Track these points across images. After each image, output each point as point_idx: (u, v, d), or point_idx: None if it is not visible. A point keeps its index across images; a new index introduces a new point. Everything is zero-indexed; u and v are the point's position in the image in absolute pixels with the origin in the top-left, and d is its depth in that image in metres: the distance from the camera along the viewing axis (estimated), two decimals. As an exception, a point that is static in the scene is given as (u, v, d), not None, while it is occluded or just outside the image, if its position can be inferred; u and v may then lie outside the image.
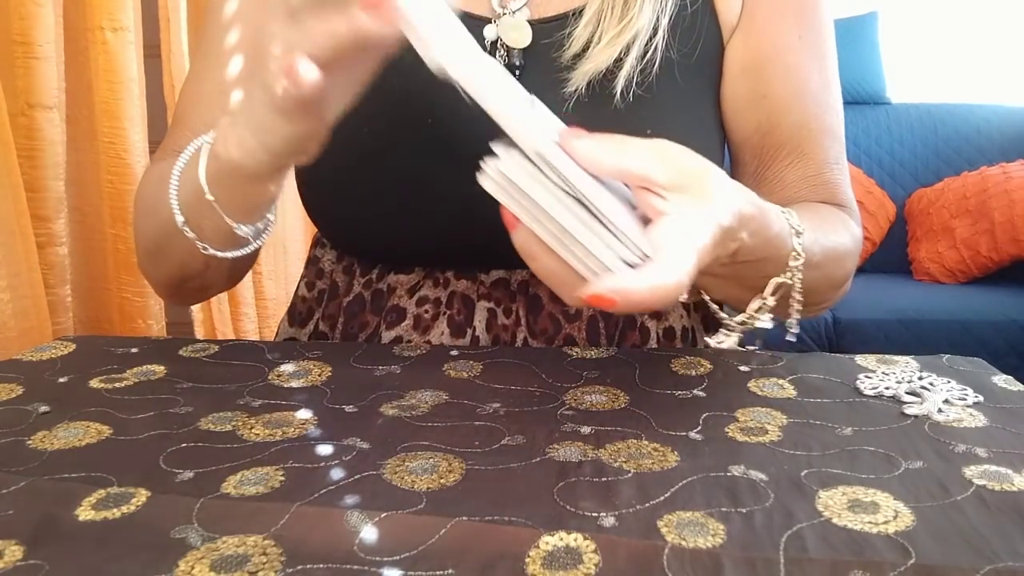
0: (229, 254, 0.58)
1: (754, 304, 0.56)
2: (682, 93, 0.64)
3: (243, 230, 0.56)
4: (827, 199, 0.67)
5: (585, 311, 0.66)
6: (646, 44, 0.61)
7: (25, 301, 0.97)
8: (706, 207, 0.43)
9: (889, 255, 2.48)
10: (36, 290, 0.99)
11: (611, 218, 0.41)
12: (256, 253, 0.63)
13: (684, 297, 0.62)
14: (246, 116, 0.49)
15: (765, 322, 0.56)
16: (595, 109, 0.61)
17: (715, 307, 0.61)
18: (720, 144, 0.69)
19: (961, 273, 2.31)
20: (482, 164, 0.42)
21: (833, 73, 0.69)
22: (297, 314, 0.74)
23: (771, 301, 0.55)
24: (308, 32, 0.43)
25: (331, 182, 0.66)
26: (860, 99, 2.59)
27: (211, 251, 0.58)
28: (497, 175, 0.42)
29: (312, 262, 0.75)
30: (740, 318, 0.57)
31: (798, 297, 0.56)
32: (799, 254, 0.54)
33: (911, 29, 2.71)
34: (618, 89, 0.60)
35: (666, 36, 0.62)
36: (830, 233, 0.61)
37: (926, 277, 2.37)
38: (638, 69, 0.61)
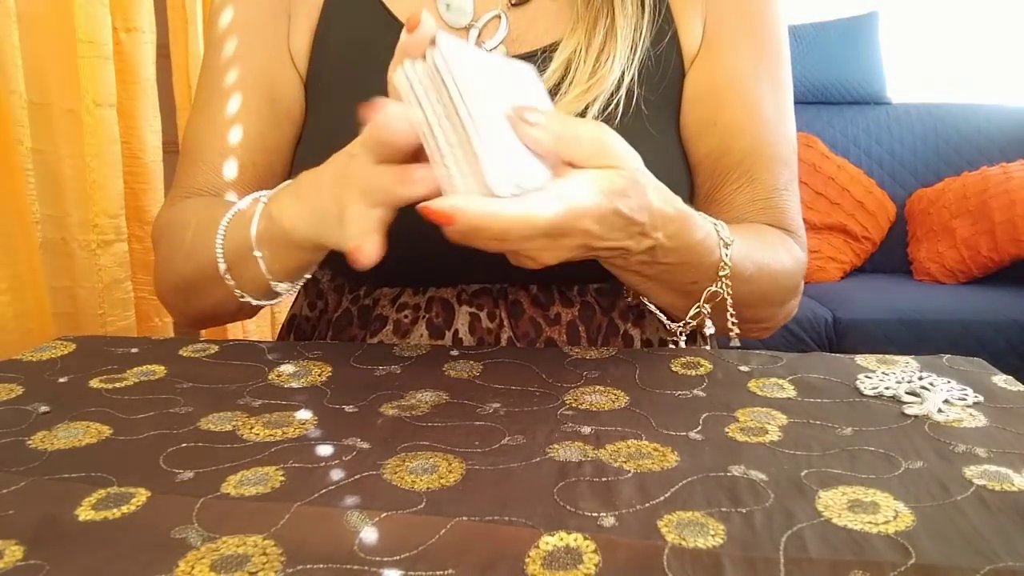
0: (264, 303, 0.62)
1: (691, 311, 0.60)
2: (648, 130, 0.66)
3: (281, 287, 0.60)
4: (774, 223, 0.69)
5: (564, 316, 0.68)
6: (609, 98, 0.64)
7: (26, 304, 0.97)
8: (608, 182, 0.46)
9: (889, 255, 2.48)
10: (38, 292, 0.99)
11: (480, 139, 0.43)
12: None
13: (630, 299, 0.68)
14: (311, 209, 0.52)
15: (708, 327, 0.61)
16: None
17: (655, 310, 0.65)
18: (686, 171, 0.71)
19: (961, 273, 2.31)
20: (401, 65, 0.45)
21: (787, 103, 0.71)
22: (302, 333, 0.76)
23: (706, 308, 0.59)
24: (374, 181, 0.47)
25: None
26: (860, 99, 2.59)
27: (247, 299, 0.61)
28: (403, 77, 0.45)
29: (311, 283, 0.77)
30: (680, 324, 0.62)
31: (730, 308, 0.59)
32: (726, 264, 0.57)
33: (911, 29, 2.71)
34: None
35: (633, 87, 0.65)
36: (767, 252, 0.64)
37: (926, 277, 2.37)
38: (600, 119, 0.63)
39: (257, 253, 0.57)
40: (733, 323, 0.61)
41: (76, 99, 1.01)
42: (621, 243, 0.50)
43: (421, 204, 0.43)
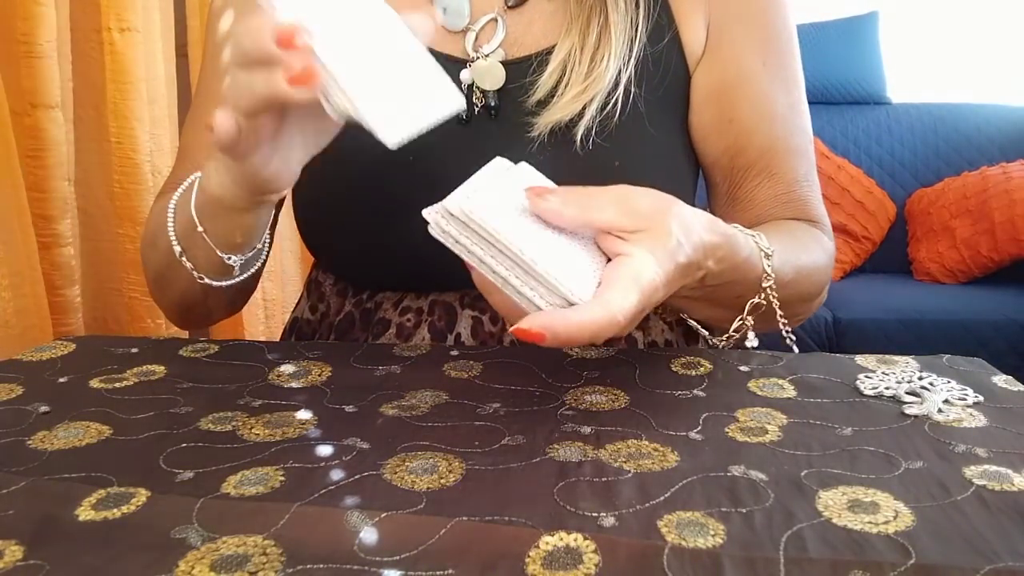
0: (223, 283, 0.61)
1: (734, 324, 0.60)
2: (647, 128, 0.66)
3: (233, 260, 0.60)
4: (798, 215, 0.70)
5: None
6: (607, 97, 0.64)
7: (26, 300, 0.97)
8: (663, 246, 0.46)
9: (889, 255, 2.48)
10: (37, 288, 0.99)
11: (538, 268, 0.44)
12: (254, 284, 0.67)
13: (665, 316, 0.68)
14: (227, 164, 0.52)
15: (751, 340, 0.60)
16: (558, 151, 0.64)
17: (696, 325, 0.64)
18: (691, 170, 0.71)
19: (961, 273, 2.31)
20: (424, 215, 0.46)
21: (799, 95, 0.71)
22: (303, 336, 0.76)
23: (750, 321, 0.59)
24: (235, 86, 0.46)
25: (326, 217, 0.70)
26: (860, 99, 2.59)
27: (206, 280, 0.61)
28: (437, 228, 0.45)
29: (315, 286, 0.77)
30: (723, 338, 0.62)
31: (779, 313, 0.59)
32: (769, 275, 0.57)
33: (911, 29, 2.71)
34: (578, 137, 0.63)
35: (631, 85, 0.65)
36: (801, 252, 0.64)
37: (926, 277, 2.37)
38: (597, 120, 0.63)
39: (200, 228, 0.58)
40: (784, 324, 0.61)
41: (16, 100, 0.99)
42: (680, 284, 0.50)
43: (513, 328, 0.44)
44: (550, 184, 0.50)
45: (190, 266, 0.60)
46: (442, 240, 0.45)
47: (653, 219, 0.47)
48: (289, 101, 0.45)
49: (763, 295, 0.58)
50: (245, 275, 0.62)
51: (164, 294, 0.69)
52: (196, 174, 0.59)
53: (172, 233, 0.60)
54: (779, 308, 0.59)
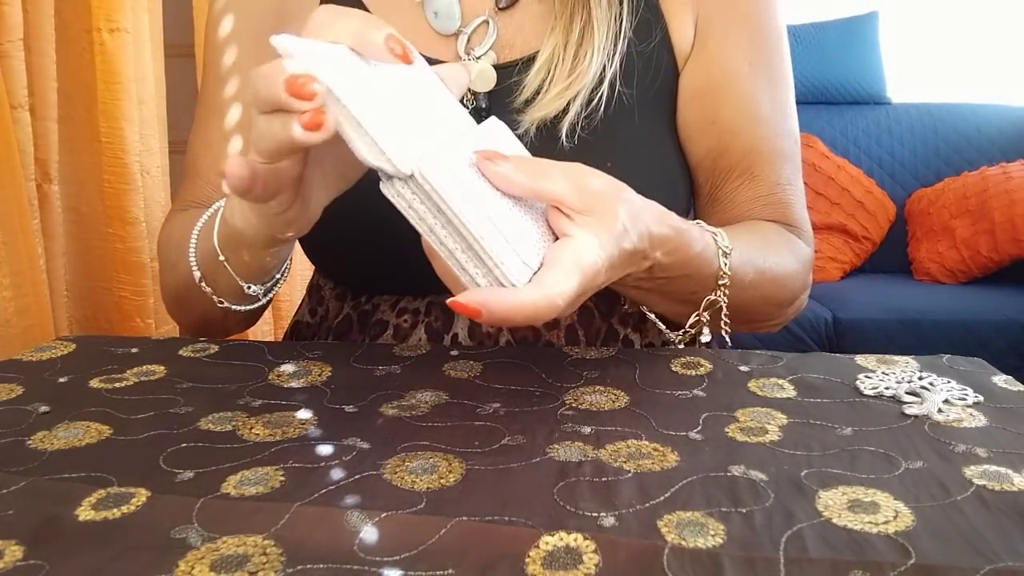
0: (242, 308, 0.63)
1: (690, 320, 0.60)
2: (637, 128, 0.66)
3: (253, 289, 0.61)
4: (778, 219, 0.69)
5: (563, 320, 0.67)
6: (591, 93, 0.64)
7: (26, 300, 0.97)
8: (607, 230, 0.46)
9: (889, 255, 2.48)
10: (38, 288, 1.00)
11: (485, 248, 0.44)
12: (270, 301, 0.67)
13: (627, 308, 0.67)
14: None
15: (705, 335, 0.60)
16: (545, 148, 0.64)
17: (654, 318, 0.64)
18: (684, 170, 0.70)
19: (961, 273, 2.31)
20: (380, 174, 0.45)
21: (786, 96, 0.70)
22: (302, 339, 0.76)
23: (706, 317, 0.59)
24: (256, 129, 0.45)
25: (321, 225, 0.69)
26: (860, 99, 2.59)
27: (225, 304, 0.62)
28: (392, 189, 0.45)
29: (315, 290, 0.78)
30: (678, 333, 0.63)
31: (725, 313, 0.59)
32: (725, 273, 0.57)
33: (911, 29, 2.71)
34: (563, 133, 0.63)
35: (617, 82, 0.65)
36: (769, 254, 0.63)
37: (926, 277, 2.37)
38: (582, 116, 0.64)
39: (221, 257, 0.58)
40: (726, 327, 0.61)
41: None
42: (625, 271, 0.50)
43: (450, 301, 0.43)
44: (521, 147, 0.50)
45: (210, 291, 0.62)
46: (394, 203, 0.45)
47: (602, 201, 0.47)
48: (306, 146, 0.44)
49: (719, 292, 0.58)
50: (264, 301, 0.63)
51: (183, 313, 0.70)
52: (220, 202, 0.59)
53: (193, 260, 0.61)
54: (732, 309, 0.59)
